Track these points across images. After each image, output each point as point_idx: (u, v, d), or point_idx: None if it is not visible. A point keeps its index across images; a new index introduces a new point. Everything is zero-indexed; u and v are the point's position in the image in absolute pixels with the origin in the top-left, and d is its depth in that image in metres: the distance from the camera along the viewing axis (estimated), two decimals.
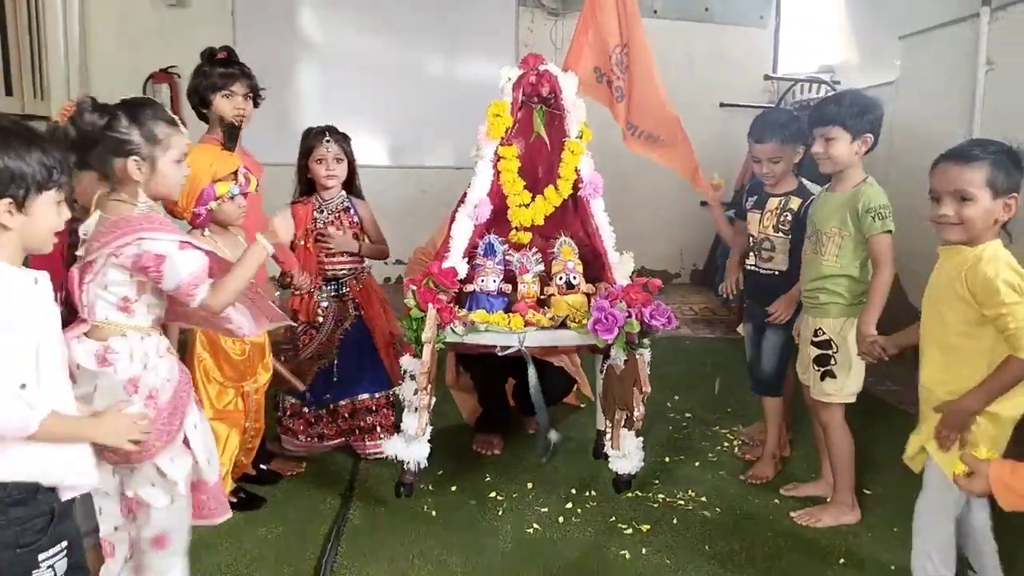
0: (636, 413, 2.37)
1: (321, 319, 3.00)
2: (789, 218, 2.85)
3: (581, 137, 2.76)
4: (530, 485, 2.94)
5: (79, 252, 1.86)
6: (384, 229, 3.15)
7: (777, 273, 2.90)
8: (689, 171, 3.18)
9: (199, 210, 2.42)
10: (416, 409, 2.55)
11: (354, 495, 2.85)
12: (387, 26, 6.07)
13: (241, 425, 2.61)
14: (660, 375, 2.65)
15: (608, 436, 2.70)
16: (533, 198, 2.76)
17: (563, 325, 2.61)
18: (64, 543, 1.56)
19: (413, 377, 2.57)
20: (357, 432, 3.06)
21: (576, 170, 2.73)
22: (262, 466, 2.93)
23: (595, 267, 2.82)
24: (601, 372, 2.77)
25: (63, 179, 1.55)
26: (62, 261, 1.95)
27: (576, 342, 2.69)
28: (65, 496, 1.57)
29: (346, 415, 3.05)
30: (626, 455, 2.66)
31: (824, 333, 2.62)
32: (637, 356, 2.41)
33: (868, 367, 2.57)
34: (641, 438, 2.68)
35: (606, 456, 2.71)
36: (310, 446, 3.08)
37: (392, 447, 2.60)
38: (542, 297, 2.71)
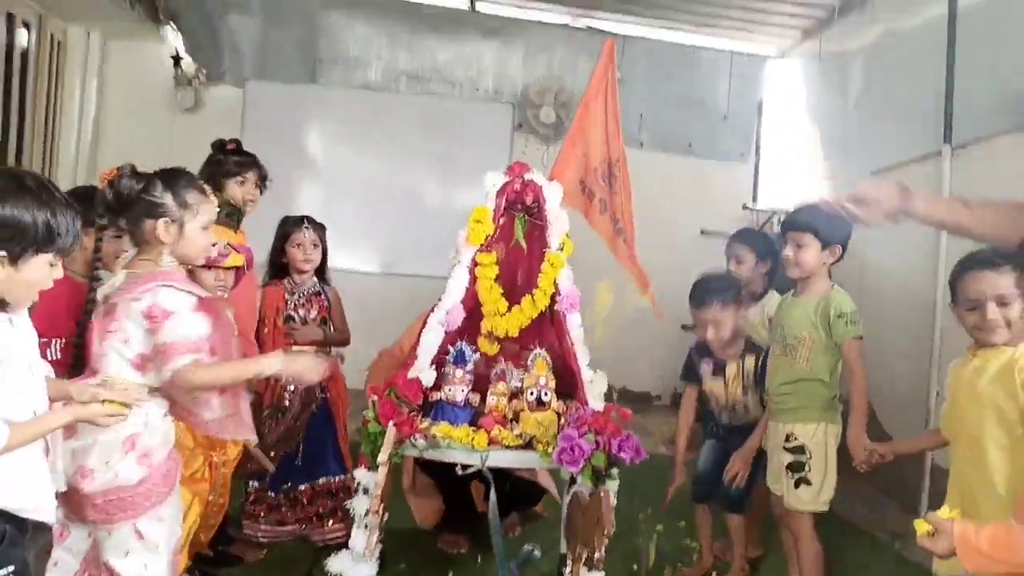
0: (597, 555, 2.08)
1: (288, 403, 2.94)
2: (751, 377, 2.82)
3: (562, 249, 2.58)
4: None
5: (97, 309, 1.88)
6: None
7: (752, 423, 2.84)
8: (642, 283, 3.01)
9: None
10: (367, 527, 2.24)
11: None
12: (387, 145, 6.09)
13: (204, 496, 2.48)
14: (634, 491, 2.45)
15: (569, 568, 2.37)
16: (510, 307, 2.55)
17: (529, 444, 2.34)
18: (11, 567, 1.48)
19: (367, 491, 2.27)
20: (315, 519, 2.97)
21: (554, 283, 2.53)
22: (220, 548, 2.81)
23: (568, 382, 2.58)
24: (567, 498, 2.47)
25: (64, 243, 1.51)
26: (67, 313, 2.03)
27: (540, 466, 2.41)
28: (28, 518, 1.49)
29: (304, 501, 2.98)
30: None
31: (796, 439, 2.53)
32: (602, 493, 2.13)
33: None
34: (602, 574, 2.34)
35: None
36: (270, 532, 2.97)
37: (338, 565, 2.27)
38: (511, 412, 2.45)
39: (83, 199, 1.76)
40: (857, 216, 1.87)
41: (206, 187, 1.98)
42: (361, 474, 2.29)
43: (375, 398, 2.24)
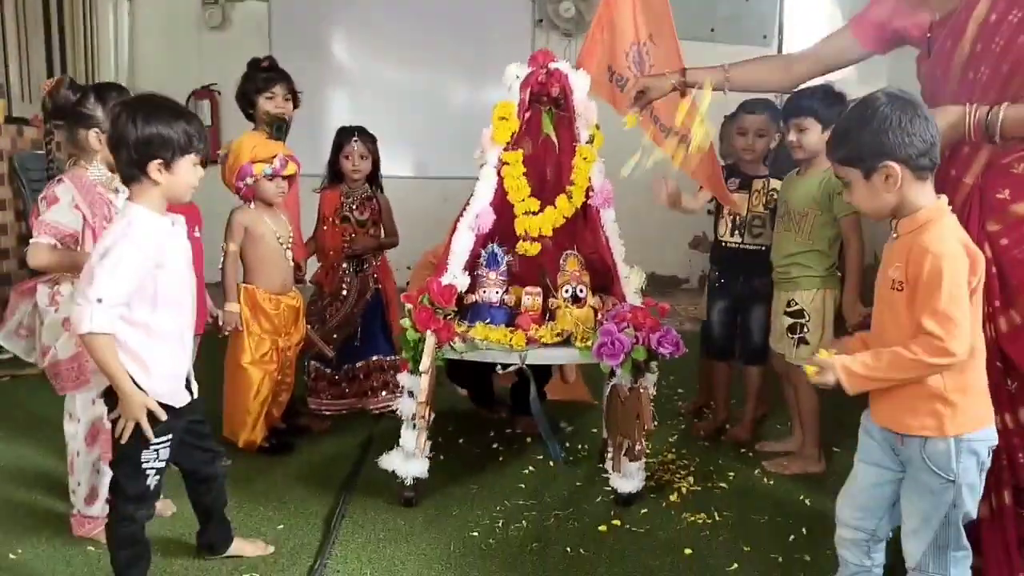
0: (637, 447, 1.90)
1: (345, 292, 2.98)
2: (775, 196, 2.72)
3: (592, 141, 2.28)
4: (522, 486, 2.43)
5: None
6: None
7: (764, 248, 2.72)
8: (709, 179, 2.66)
9: (238, 184, 2.54)
10: (415, 427, 2.10)
11: (371, 447, 2.67)
12: (410, 48, 5.68)
13: (273, 375, 2.59)
14: (663, 367, 2.34)
15: (610, 454, 2.21)
16: (542, 206, 2.29)
17: (567, 341, 2.13)
18: (169, 436, 1.66)
19: (411, 393, 2.11)
20: (369, 392, 3.03)
21: (588, 178, 2.25)
22: (291, 421, 2.86)
23: (602, 277, 2.34)
24: (606, 389, 2.29)
25: (199, 145, 1.62)
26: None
27: (579, 361, 2.20)
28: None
29: (361, 377, 3.03)
30: (626, 476, 2.18)
31: (796, 304, 2.50)
32: (641, 390, 1.92)
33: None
34: (642, 460, 2.19)
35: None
36: (331, 404, 3.01)
37: (390, 462, 2.15)
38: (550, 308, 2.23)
39: None
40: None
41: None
42: (404, 378, 2.12)
43: (410, 306, 2.03)
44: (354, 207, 3.00)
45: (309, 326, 2.85)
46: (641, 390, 1.91)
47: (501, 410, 2.95)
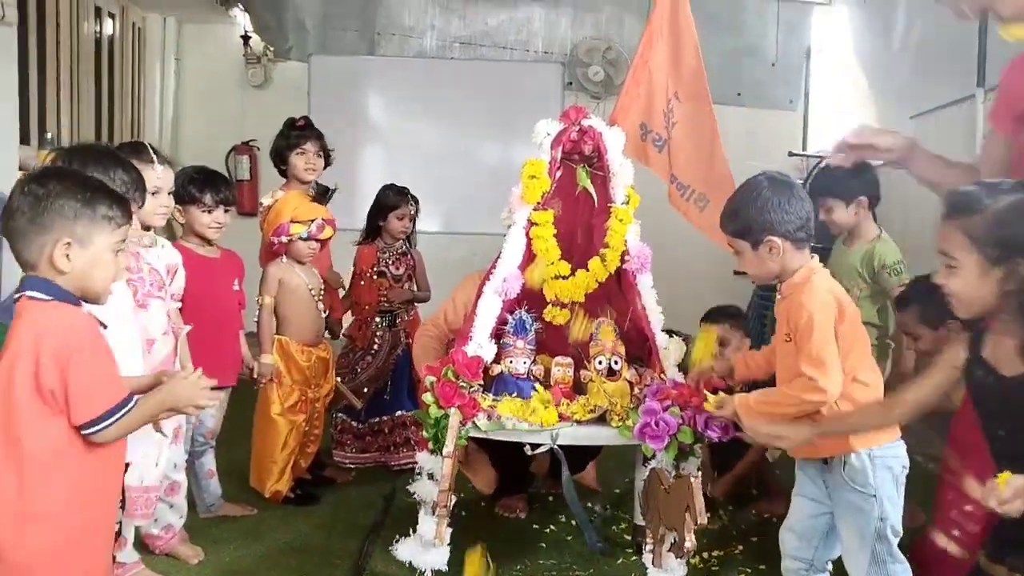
0: (687, 544, 1.57)
1: (377, 346, 2.92)
2: None
3: (628, 202, 2.03)
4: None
5: None
6: (436, 289, 3.08)
7: None
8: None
9: (273, 239, 2.52)
10: (435, 514, 1.79)
11: (394, 497, 2.60)
12: (443, 110, 5.60)
13: (301, 426, 2.53)
14: None
15: (648, 545, 1.87)
16: (573, 270, 2.02)
17: (602, 418, 1.84)
18: None
19: (431, 476, 1.81)
20: (392, 447, 2.96)
21: (624, 241, 1.99)
22: (317, 472, 2.79)
23: (637, 347, 2.05)
24: (642, 471, 1.96)
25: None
26: None
27: (618, 442, 1.86)
28: None
29: (385, 431, 2.96)
30: (668, 572, 1.83)
31: None
32: (691, 480, 1.61)
33: None
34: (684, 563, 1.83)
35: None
36: (356, 457, 2.95)
37: (406, 551, 1.83)
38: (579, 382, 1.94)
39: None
40: (853, 157, 1.91)
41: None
42: (424, 458, 1.82)
43: (432, 379, 1.76)
44: (390, 263, 2.99)
45: (339, 379, 2.79)
46: (692, 479, 1.59)
47: (521, 507, 2.54)
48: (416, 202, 3.06)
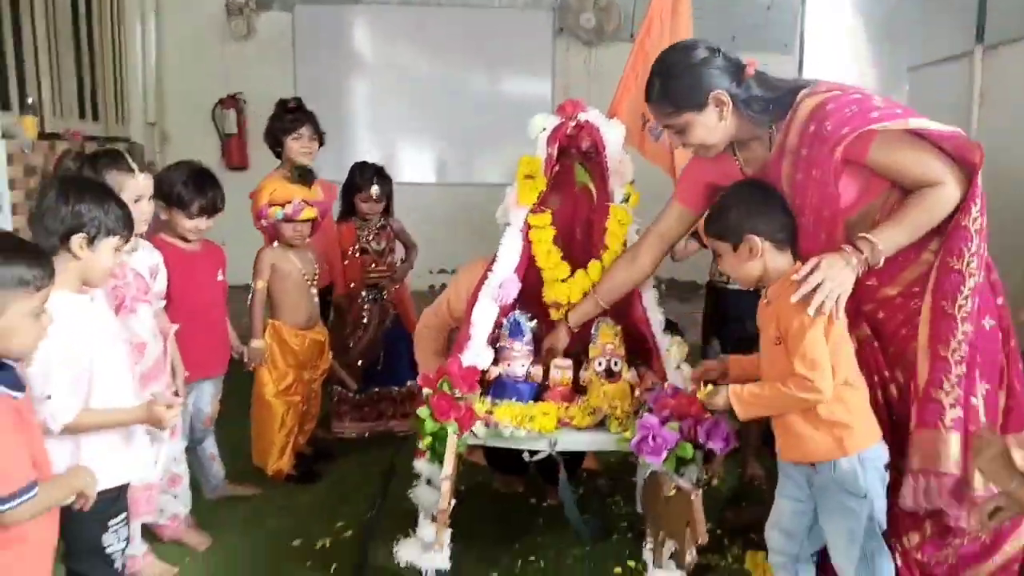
0: (688, 558, 1.55)
1: (366, 320, 2.92)
2: None
3: (627, 200, 1.90)
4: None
5: None
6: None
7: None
8: None
9: (257, 225, 2.51)
10: (434, 519, 1.76)
11: (395, 468, 2.58)
12: (432, 50, 5.28)
13: (298, 406, 2.53)
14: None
15: (649, 545, 1.86)
16: (573, 271, 1.92)
17: (601, 423, 1.79)
18: (124, 514, 1.54)
19: (429, 482, 1.78)
20: (387, 417, 2.97)
21: (624, 241, 1.88)
22: (317, 446, 2.78)
23: (638, 346, 1.98)
24: (643, 470, 1.92)
25: (125, 232, 1.51)
26: None
27: (615, 448, 1.82)
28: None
29: (384, 401, 2.97)
30: (667, 570, 1.82)
31: None
32: (692, 496, 1.56)
33: None
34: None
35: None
36: (353, 427, 2.95)
37: (407, 553, 1.81)
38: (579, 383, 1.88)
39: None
40: None
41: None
42: (421, 465, 1.79)
43: (428, 391, 1.69)
44: (371, 239, 2.94)
45: (335, 361, 2.77)
46: (692, 496, 1.55)
47: (518, 483, 2.48)
48: (388, 181, 2.95)
